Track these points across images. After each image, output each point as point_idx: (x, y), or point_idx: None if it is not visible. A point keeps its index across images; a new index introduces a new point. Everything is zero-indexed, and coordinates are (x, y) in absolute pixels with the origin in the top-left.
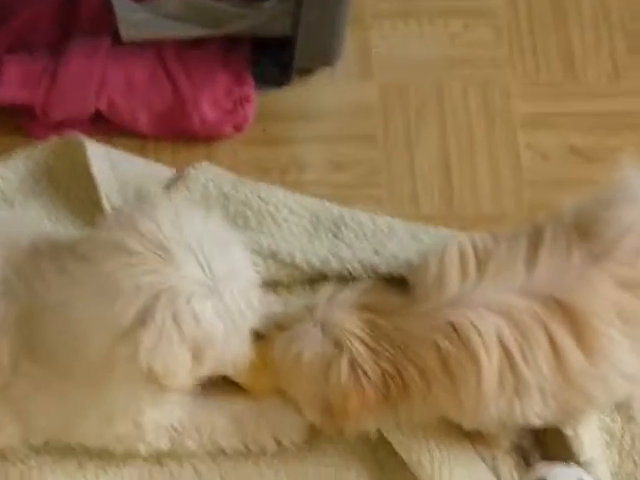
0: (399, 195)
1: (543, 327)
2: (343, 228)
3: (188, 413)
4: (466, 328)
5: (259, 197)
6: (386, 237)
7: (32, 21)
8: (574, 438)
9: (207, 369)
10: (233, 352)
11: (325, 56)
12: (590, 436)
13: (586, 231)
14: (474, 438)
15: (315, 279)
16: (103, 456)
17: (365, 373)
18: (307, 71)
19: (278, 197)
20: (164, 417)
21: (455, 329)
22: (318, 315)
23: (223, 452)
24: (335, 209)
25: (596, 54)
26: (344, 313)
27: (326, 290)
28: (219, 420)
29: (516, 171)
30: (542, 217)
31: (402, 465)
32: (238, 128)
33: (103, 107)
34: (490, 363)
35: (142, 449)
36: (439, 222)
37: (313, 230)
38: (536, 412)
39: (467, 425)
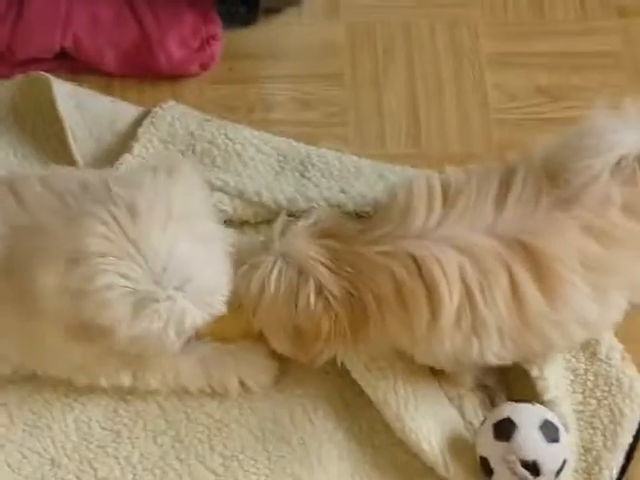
0: (366, 134)
1: (505, 268)
2: (310, 167)
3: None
4: (429, 261)
5: (225, 136)
6: (353, 176)
7: None
8: (539, 378)
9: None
10: (143, 347)
11: None
12: (555, 376)
13: (555, 177)
14: (439, 377)
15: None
16: (69, 394)
17: (332, 295)
18: (274, 10)
19: (245, 136)
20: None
21: (415, 261)
22: (277, 247)
23: (188, 391)
24: (302, 148)
25: None
26: (303, 240)
27: (279, 223)
28: (184, 364)
29: (484, 110)
30: (513, 157)
31: (368, 404)
32: (205, 67)
33: (69, 45)
34: (450, 298)
35: (103, 381)
36: (406, 161)
37: (280, 169)
38: (494, 352)
39: (419, 359)
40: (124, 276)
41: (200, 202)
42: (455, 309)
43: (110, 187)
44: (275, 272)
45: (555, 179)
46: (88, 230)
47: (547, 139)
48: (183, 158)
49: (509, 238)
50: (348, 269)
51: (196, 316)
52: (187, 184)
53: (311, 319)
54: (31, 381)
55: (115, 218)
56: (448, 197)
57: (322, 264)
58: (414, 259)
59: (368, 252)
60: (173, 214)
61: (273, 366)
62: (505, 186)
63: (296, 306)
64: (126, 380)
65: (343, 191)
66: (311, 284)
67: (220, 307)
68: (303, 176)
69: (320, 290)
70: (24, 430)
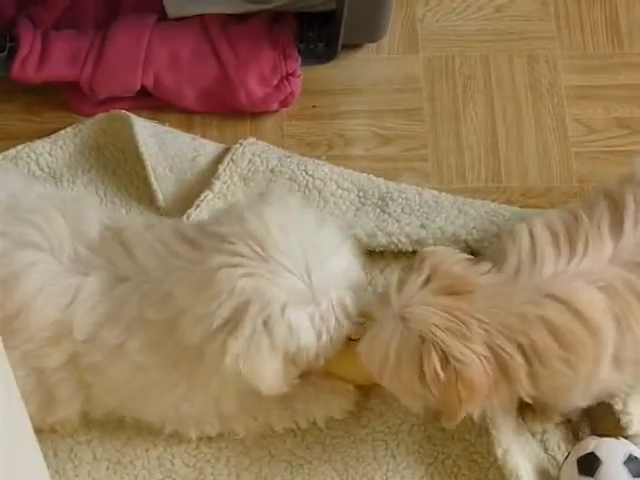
0: (446, 169)
1: (636, 295)
2: (390, 202)
3: (241, 401)
4: (578, 300)
5: (305, 172)
6: (433, 211)
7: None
8: (623, 412)
9: (298, 371)
10: (326, 355)
11: (371, 32)
12: (639, 410)
13: None
14: (525, 411)
15: (362, 253)
16: (152, 430)
17: (461, 362)
18: (353, 46)
19: (325, 172)
20: (215, 405)
21: (564, 302)
22: (395, 308)
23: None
24: (382, 183)
25: None
26: (422, 304)
27: (395, 279)
28: (273, 406)
29: (563, 143)
30: (610, 184)
31: (451, 438)
32: (284, 104)
33: (149, 83)
34: (609, 332)
35: (192, 434)
36: (486, 196)
37: (360, 204)
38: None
39: (576, 401)
40: (292, 301)
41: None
42: (612, 344)
43: (219, 230)
44: (395, 341)
45: None
46: (229, 281)
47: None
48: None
49: (634, 264)
50: (479, 329)
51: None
52: (300, 208)
53: (442, 390)
54: (115, 418)
55: (244, 255)
56: (569, 236)
57: (446, 330)
58: (561, 301)
59: (507, 305)
60: (304, 234)
61: (354, 392)
62: (617, 212)
63: (424, 377)
64: (212, 432)
65: (423, 226)
66: (434, 355)
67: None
68: (383, 211)
69: (447, 359)
70: (107, 468)
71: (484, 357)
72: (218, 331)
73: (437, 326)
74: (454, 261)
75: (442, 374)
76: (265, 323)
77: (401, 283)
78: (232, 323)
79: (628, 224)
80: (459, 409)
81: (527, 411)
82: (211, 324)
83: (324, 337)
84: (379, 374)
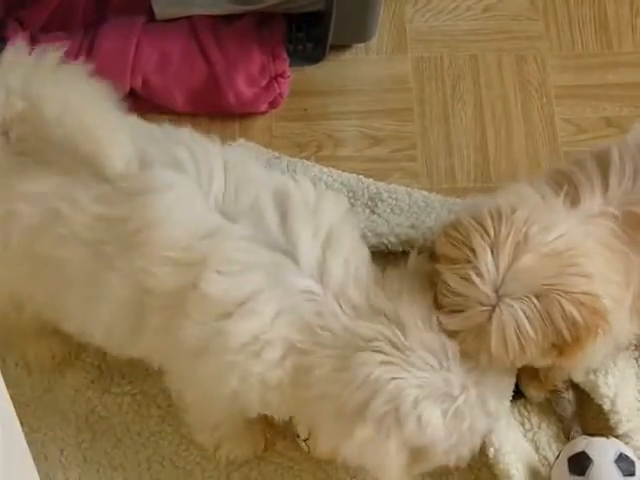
0: (435, 169)
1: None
2: (380, 203)
3: None
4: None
5: (295, 173)
6: (423, 211)
7: (67, 0)
8: (612, 412)
9: (425, 468)
10: (458, 454)
11: (360, 32)
12: (628, 409)
13: None
14: (529, 380)
15: None
16: (142, 432)
17: (583, 292)
18: (342, 47)
19: (314, 173)
20: None
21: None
22: (491, 296)
23: None
24: (372, 184)
25: (631, 25)
26: (515, 271)
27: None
28: None
29: (552, 143)
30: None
31: None
32: (273, 105)
33: (138, 85)
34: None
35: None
36: (475, 195)
37: (350, 205)
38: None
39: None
40: (420, 386)
41: None
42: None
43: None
44: (523, 318)
45: None
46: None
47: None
48: None
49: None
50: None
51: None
52: None
53: (582, 329)
54: (104, 420)
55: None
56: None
57: (552, 276)
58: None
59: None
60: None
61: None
62: (603, 168)
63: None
64: None
65: (413, 227)
66: (560, 301)
67: None
68: (373, 212)
69: (571, 298)
70: (98, 470)
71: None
72: (348, 419)
73: (543, 277)
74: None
75: (575, 314)
76: (396, 415)
77: (469, 272)
78: (361, 413)
79: (613, 178)
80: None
81: (530, 380)
82: (342, 410)
83: (457, 434)
84: (520, 358)
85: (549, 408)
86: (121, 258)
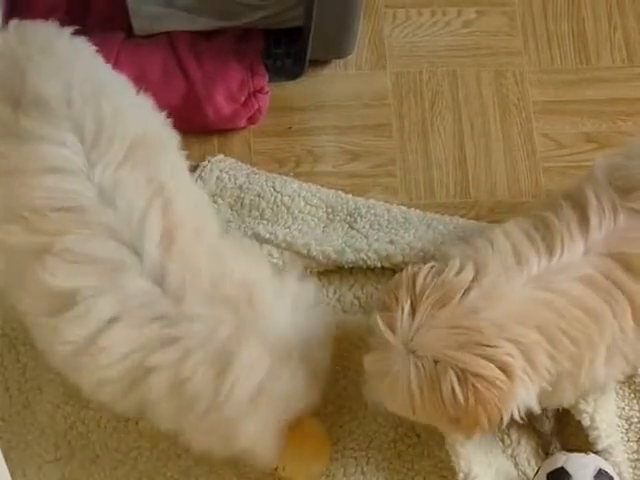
0: (414, 184)
1: (619, 287)
2: (358, 219)
3: None
4: (575, 294)
5: (274, 188)
6: (402, 227)
7: (45, 15)
8: (591, 428)
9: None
10: None
11: (339, 48)
12: (607, 424)
13: (625, 190)
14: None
15: (330, 270)
16: (120, 449)
17: (479, 376)
18: (321, 62)
19: (293, 188)
20: None
21: (566, 294)
22: (400, 347)
23: None
24: (350, 200)
25: (609, 40)
26: (422, 328)
27: (378, 318)
28: None
29: (531, 158)
30: (566, 187)
31: (421, 455)
32: (252, 120)
33: None
34: (607, 321)
35: None
36: (455, 211)
37: (328, 221)
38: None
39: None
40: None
41: None
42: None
43: None
44: (414, 376)
45: (629, 193)
46: None
47: (605, 155)
48: None
49: (605, 255)
50: (487, 343)
51: None
52: None
53: (463, 411)
54: (82, 436)
55: None
56: (546, 239)
57: (457, 345)
58: (559, 293)
59: (507, 298)
60: None
61: None
62: (578, 209)
63: (443, 401)
64: None
65: (392, 242)
66: (451, 374)
67: None
68: (352, 227)
69: (464, 377)
70: None
71: (508, 354)
72: None
73: (447, 346)
74: (428, 273)
75: (459, 393)
76: None
77: (389, 320)
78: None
79: (594, 220)
80: (481, 425)
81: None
82: None
83: None
84: (410, 414)
85: (528, 424)
86: None
